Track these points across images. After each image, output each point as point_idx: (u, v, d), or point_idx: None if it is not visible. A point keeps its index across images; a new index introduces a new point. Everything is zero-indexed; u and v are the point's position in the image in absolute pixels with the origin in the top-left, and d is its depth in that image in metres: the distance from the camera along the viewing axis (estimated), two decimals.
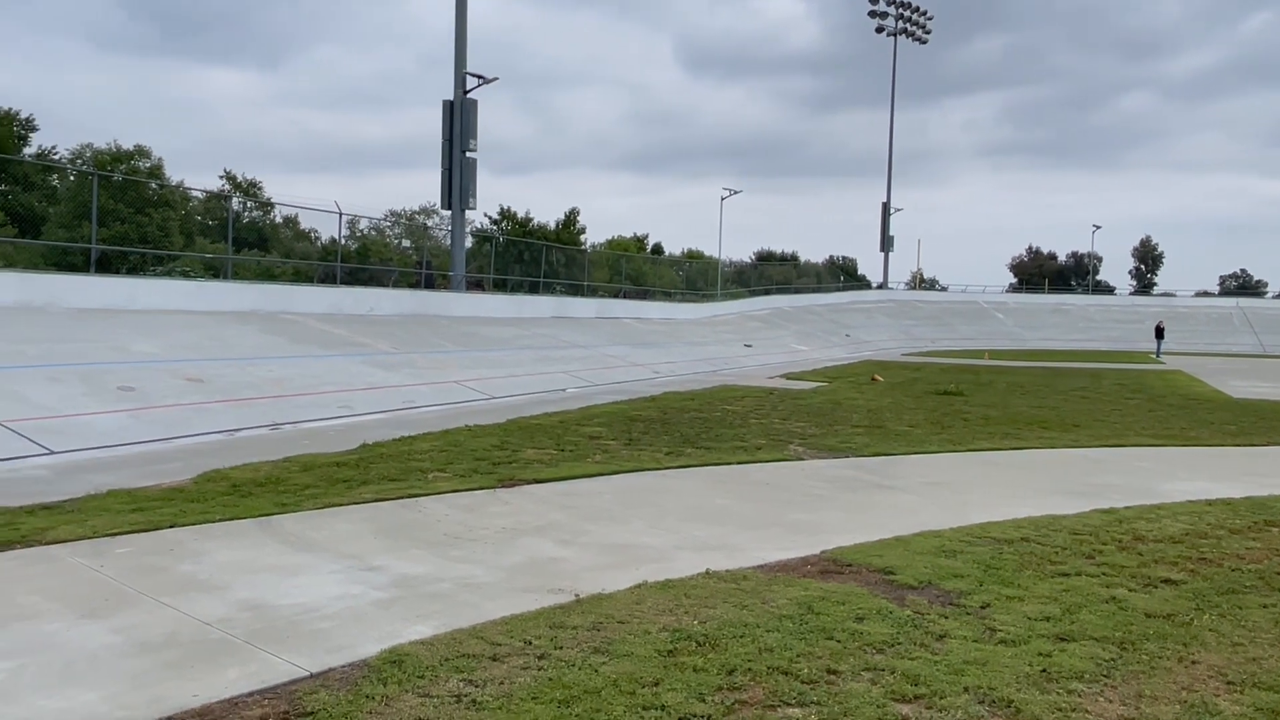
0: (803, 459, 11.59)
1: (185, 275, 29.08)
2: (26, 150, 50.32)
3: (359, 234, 48.18)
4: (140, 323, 17.52)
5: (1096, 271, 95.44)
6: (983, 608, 5.67)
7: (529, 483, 9.48)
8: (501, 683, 4.38)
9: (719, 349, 33.19)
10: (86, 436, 11.02)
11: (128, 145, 45.18)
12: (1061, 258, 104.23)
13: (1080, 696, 4.38)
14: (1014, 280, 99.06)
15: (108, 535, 6.91)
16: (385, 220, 50.47)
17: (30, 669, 4.52)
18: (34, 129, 52.70)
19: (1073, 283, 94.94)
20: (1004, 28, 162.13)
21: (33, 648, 4.78)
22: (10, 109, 51.27)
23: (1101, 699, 4.38)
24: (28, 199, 45.17)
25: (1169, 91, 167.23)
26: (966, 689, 4.41)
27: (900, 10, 65.98)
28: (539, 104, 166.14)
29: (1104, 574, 6.50)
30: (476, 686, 4.33)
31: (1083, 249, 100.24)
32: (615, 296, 43.72)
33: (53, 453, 10.31)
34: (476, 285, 37.00)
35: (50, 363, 13.66)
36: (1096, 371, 31.72)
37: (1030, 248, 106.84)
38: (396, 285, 31.80)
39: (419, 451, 11.07)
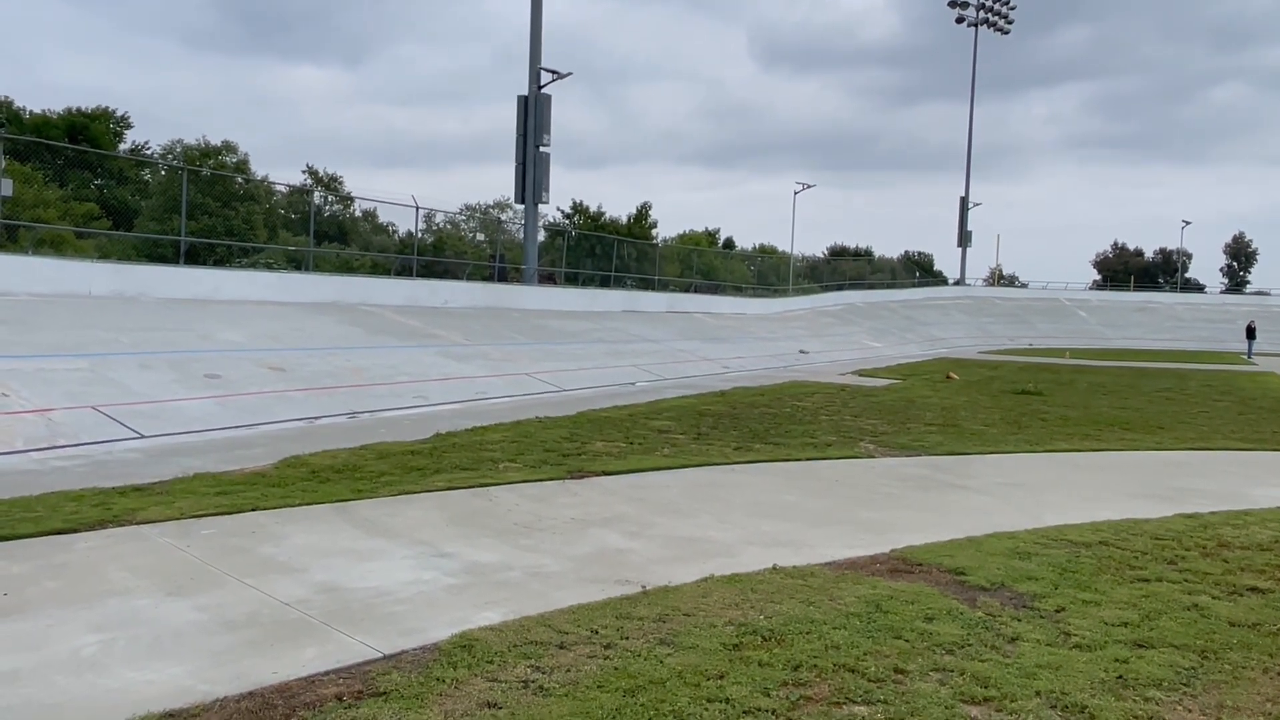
0: (874, 456, 11.45)
1: (269, 267, 29.97)
2: (121, 146, 52.39)
3: (435, 228, 48.95)
4: (226, 313, 18.11)
5: (1185, 269, 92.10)
6: (1057, 611, 5.55)
7: (598, 475, 9.56)
8: (568, 670, 4.44)
9: (790, 344, 32.94)
10: (175, 421, 11.46)
11: (216, 141, 46.75)
12: (1149, 254, 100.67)
13: (1158, 705, 4.26)
14: (1098, 277, 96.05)
15: (194, 517, 7.19)
16: (460, 214, 51.29)
17: (120, 642, 4.73)
18: (128, 126, 54.92)
19: (1160, 280, 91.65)
20: (1089, 17, 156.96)
21: (123, 622, 5.00)
22: (107, 107, 53.48)
23: (1180, 708, 4.25)
24: (122, 193, 47.02)
25: (1263, 82, 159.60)
26: (1038, 693, 4.33)
27: (982, 0, 64.45)
28: (612, 98, 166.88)
29: (1186, 580, 6.30)
30: (543, 673, 4.40)
31: (1171, 245, 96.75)
32: (686, 291, 43.66)
33: (144, 436, 10.74)
34: (548, 279, 37.31)
35: (142, 350, 14.21)
36: (1183, 372, 30.63)
37: (1115, 244, 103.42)
38: (470, 278, 32.23)
39: (490, 442, 11.24)
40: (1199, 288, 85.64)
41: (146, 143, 55.32)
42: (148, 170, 48.41)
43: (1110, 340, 53.88)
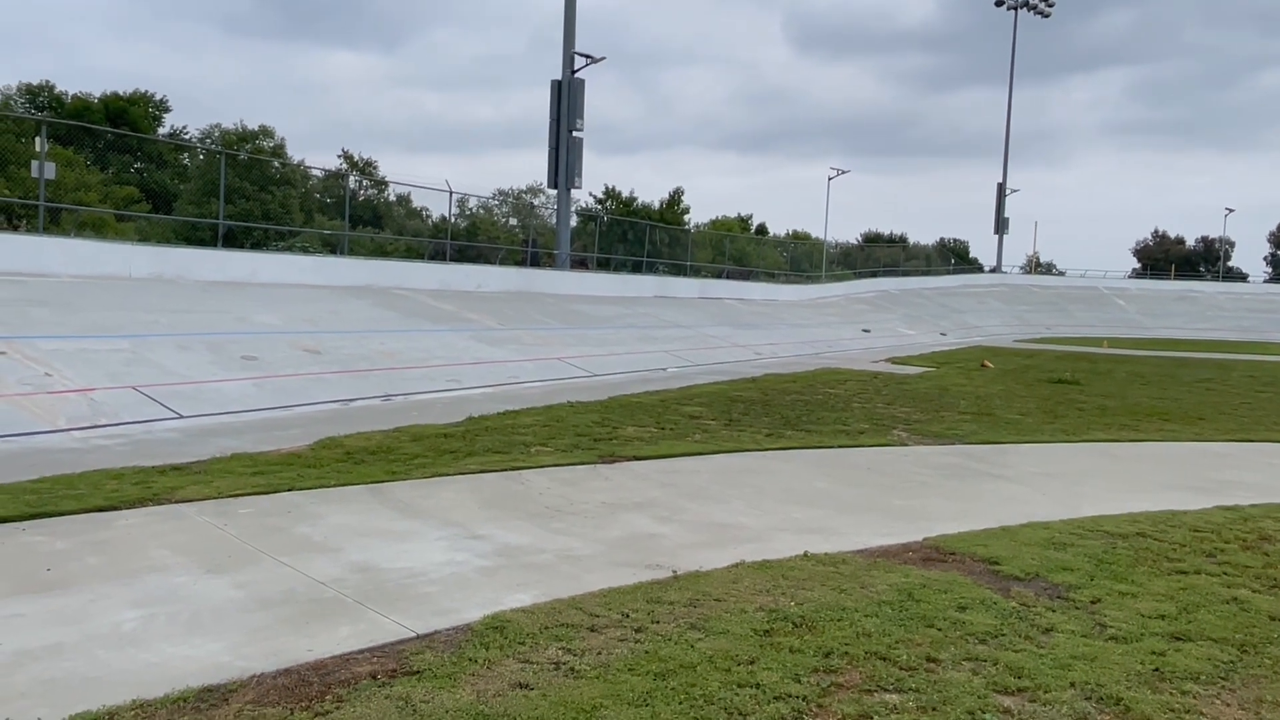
0: (906, 444, 11.37)
1: (304, 251, 30.24)
2: (160, 130, 53.02)
3: (468, 212, 49.12)
4: (262, 295, 18.32)
5: (1228, 257, 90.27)
6: (1093, 603, 5.48)
7: (629, 459, 9.57)
8: (599, 653, 4.46)
9: (823, 331, 32.75)
10: (213, 402, 11.62)
11: (253, 125, 47.25)
12: (1190, 242, 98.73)
13: (1195, 698, 4.21)
14: (1137, 265, 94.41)
15: (231, 496, 7.29)
16: (493, 199, 51.41)
17: (160, 618, 4.82)
18: (167, 110, 55.61)
19: (1201, 269, 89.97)
20: (1132, 1, 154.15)
21: (162, 599, 5.09)
22: (145, 91, 54.15)
23: (1218, 702, 4.19)
24: (161, 177, 47.61)
25: None
26: (1073, 684, 4.29)
27: None
28: (646, 83, 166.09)
29: (1225, 573, 6.20)
30: (574, 655, 4.43)
31: (1213, 233, 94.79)
32: (718, 277, 43.51)
33: (182, 417, 10.90)
34: (580, 264, 37.34)
35: (180, 332, 14.42)
36: (1225, 362, 30.07)
37: (1156, 231, 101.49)
38: (503, 263, 32.32)
39: (522, 425, 11.29)
40: (1242, 276, 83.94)
41: (185, 127, 56.04)
42: (186, 154, 49.01)
43: (1150, 329, 52.98)
